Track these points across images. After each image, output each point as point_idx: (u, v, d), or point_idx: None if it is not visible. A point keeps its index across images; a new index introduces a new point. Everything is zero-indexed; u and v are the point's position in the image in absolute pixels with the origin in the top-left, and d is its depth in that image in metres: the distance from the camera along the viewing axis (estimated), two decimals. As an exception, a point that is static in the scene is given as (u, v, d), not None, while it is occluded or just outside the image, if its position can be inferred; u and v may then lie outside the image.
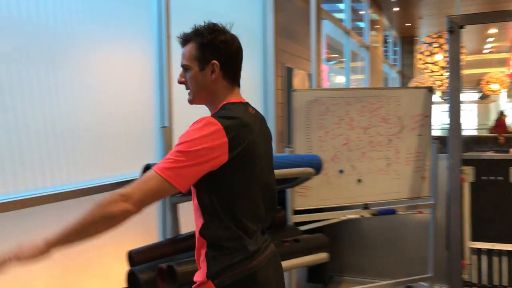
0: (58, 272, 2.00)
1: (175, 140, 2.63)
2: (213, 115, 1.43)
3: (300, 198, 3.29)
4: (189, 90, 1.55)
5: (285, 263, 2.32)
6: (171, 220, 2.41)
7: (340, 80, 9.22)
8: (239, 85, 1.57)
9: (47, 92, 1.92)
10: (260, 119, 1.57)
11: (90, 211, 1.25)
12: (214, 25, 1.52)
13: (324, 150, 3.30)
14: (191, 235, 2.29)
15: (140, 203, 1.28)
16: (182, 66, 1.52)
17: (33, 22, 1.86)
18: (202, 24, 1.52)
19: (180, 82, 1.55)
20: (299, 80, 4.99)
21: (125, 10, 2.38)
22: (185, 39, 1.51)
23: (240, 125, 1.41)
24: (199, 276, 1.49)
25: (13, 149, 1.78)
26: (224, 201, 1.43)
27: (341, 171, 3.36)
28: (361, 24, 9.10)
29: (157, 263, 2.02)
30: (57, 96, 1.97)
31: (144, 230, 2.52)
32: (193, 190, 1.49)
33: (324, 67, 7.98)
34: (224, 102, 1.51)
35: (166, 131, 2.54)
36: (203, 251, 1.48)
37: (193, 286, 1.50)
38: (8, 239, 1.78)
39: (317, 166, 2.53)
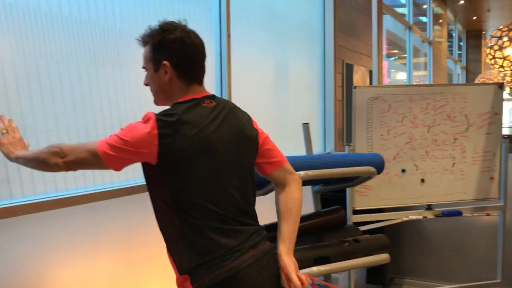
0: (122, 264, 2.07)
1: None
2: (155, 114, 1.39)
3: (360, 197, 3.22)
4: (152, 91, 1.53)
5: (344, 263, 2.29)
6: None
7: (401, 76, 8.97)
8: (199, 82, 1.49)
9: (113, 90, 2.00)
10: (224, 110, 1.47)
11: (42, 151, 1.39)
12: (166, 24, 1.46)
13: (385, 148, 3.22)
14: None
15: (71, 166, 1.38)
16: (142, 68, 1.52)
17: (101, 23, 1.94)
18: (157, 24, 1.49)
19: (144, 84, 1.53)
20: (359, 77, 4.89)
21: (187, 10, 2.42)
22: (142, 41, 1.49)
23: (176, 124, 1.35)
24: (177, 274, 1.46)
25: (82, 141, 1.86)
26: (176, 196, 1.38)
27: (403, 171, 3.26)
28: (424, 19, 8.79)
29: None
30: (123, 93, 2.04)
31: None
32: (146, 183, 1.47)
33: (385, 63, 7.78)
34: (176, 102, 1.45)
35: (226, 128, 2.57)
36: (168, 246, 1.47)
37: (177, 283, 1.47)
38: (75, 231, 1.87)
39: (378, 165, 2.47)
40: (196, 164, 1.36)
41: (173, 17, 2.30)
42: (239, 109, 1.55)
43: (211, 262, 1.37)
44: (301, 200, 1.61)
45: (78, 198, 1.81)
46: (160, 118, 1.35)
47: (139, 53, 2.10)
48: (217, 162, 1.40)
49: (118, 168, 1.38)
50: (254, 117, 2.84)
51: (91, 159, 1.35)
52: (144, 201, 2.13)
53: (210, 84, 2.58)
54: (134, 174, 2.08)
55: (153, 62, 1.45)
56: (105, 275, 1.99)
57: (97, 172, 1.92)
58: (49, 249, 1.76)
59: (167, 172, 1.36)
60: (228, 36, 2.62)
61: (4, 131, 1.50)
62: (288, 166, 1.62)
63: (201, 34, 2.50)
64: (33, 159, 1.41)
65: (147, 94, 2.14)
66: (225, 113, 1.46)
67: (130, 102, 2.08)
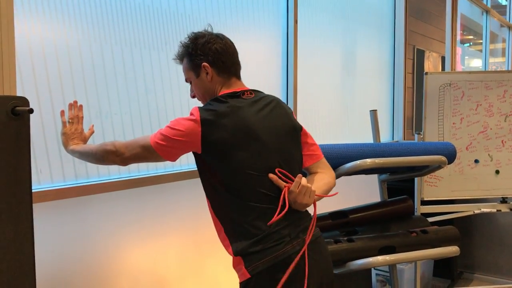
0: (190, 244, 2.14)
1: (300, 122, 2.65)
2: (199, 107, 1.49)
3: (430, 188, 3.12)
4: (199, 98, 1.62)
5: (410, 254, 2.23)
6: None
7: (475, 63, 8.51)
8: (237, 75, 1.59)
9: (182, 76, 2.05)
10: (264, 100, 1.54)
11: (97, 149, 1.50)
12: (194, 33, 1.57)
13: (458, 138, 3.08)
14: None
15: (127, 162, 1.50)
16: (186, 81, 1.62)
17: (171, 10, 1.99)
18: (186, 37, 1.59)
19: (191, 97, 1.64)
20: (430, 63, 4.71)
21: (255, -5, 2.43)
22: (179, 58, 1.60)
23: (217, 115, 1.43)
24: (233, 259, 1.50)
25: (153, 129, 1.94)
26: (225, 183, 1.44)
27: (476, 161, 3.11)
28: (503, 2, 8.26)
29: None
30: (192, 79, 2.09)
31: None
32: (199, 174, 1.54)
33: (458, 50, 7.41)
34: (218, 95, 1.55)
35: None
36: (222, 233, 1.53)
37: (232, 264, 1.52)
38: (146, 211, 1.95)
39: (449, 154, 2.37)
40: (239, 151, 1.43)
41: (242, 3, 2.33)
42: (282, 102, 1.63)
43: (264, 247, 1.42)
44: (333, 185, 1.63)
45: (148, 179, 1.89)
46: (203, 111, 1.44)
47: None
48: (261, 148, 1.45)
49: (172, 158, 1.48)
50: (320, 103, 2.82)
51: (145, 153, 1.46)
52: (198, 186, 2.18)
53: (277, 70, 2.58)
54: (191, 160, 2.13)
55: (193, 69, 1.56)
56: (173, 254, 2.07)
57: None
58: (120, 228, 1.85)
59: (213, 160, 1.44)
60: (295, 21, 2.60)
61: (70, 120, 1.60)
62: (325, 162, 1.67)
63: (269, 19, 2.52)
64: (90, 155, 1.52)
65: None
66: (266, 103, 1.54)
67: (198, 87, 2.13)
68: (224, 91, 1.53)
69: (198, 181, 2.10)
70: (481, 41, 6.72)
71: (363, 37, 3.50)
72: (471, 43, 8.52)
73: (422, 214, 3.06)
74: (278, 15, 2.59)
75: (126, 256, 1.88)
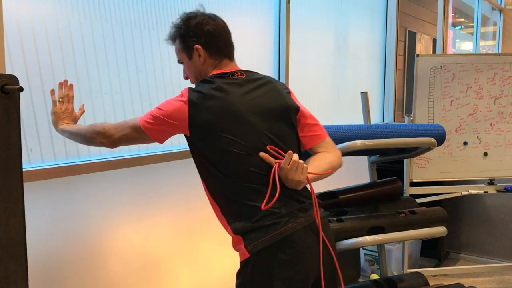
0: (181, 227, 2.16)
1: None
2: (189, 88, 1.49)
3: (419, 169, 3.15)
4: (192, 81, 1.60)
5: (398, 234, 2.26)
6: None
7: (466, 46, 8.52)
8: (229, 57, 1.57)
9: (174, 56, 2.04)
10: (257, 81, 1.53)
11: (86, 129, 1.50)
12: (186, 14, 1.55)
13: (447, 120, 3.11)
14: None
15: (116, 143, 1.49)
16: (178, 62, 1.60)
17: (163, -12, 1.97)
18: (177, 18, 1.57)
19: (185, 78, 1.62)
20: (422, 46, 4.71)
21: (247, -26, 2.40)
22: (171, 39, 1.58)
23: (203, 97, 1.42)
24: (233, 238, 1.50)
25: (144, 108, 1.93)
26: (217, 164, 1.44)
27: (465, 143, 3.14)
28: (496, -16, 8.24)
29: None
30: (183, 59, 2.08)
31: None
32: (192, 156, 1.55)
33: (449, 32, 7.40)
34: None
35: (283, 95, 2.57)
36: (219, 213, 1.54)
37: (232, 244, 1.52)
38: (139, 190, 1.96)
39: (439, 136, 2.39)
40: (225, 133, 1.41)
41: (233, -18, 2.30)
42: (278, 81, 1.60)
43: (262, 226, 1.40)
44: (338, 165, 1.59)
45: (139, 159, 1.89)
46: (191, 92, 1.44)
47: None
48: (249, 128, 1.43)
49: (160, 139, 1.47)
50: (312, 84, 2.81)
51: (134, 134, 1.46)
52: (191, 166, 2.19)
53: (268, 49, 2.57)
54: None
55: (186, 50, 1.54)
56: (165, 234, 2.08)
57: (158, 135, 1.98)
58: (112, 207, 1.86)
59: (201, 142, 1.44)
60: (288, 1, 2.59)
61: (60, 99, 1.59)
62: (330, 141, 1.62)
63: (261, 1, 2.49)
64: (79, 136, 1.52)
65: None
66: (258, 84, 1.52)
67: (189, 67, 2.12)
68: (215, 71, 1.52)
69: (189, 162, 2.11)
70: (472, 24, 6.73)
71: (355, 18, 3.48)
72: (462, 26, 8.51)
73: (410, 195, 3.10)
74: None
75: (117, 236, 1.89)
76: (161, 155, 1.96)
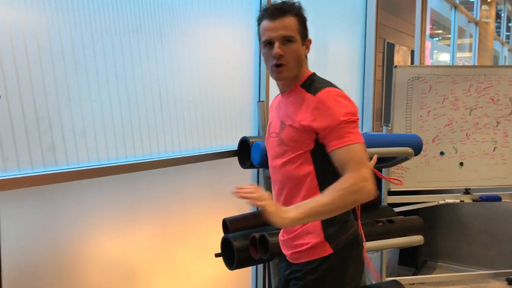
0: (159, 236, 2.14)
1: (272, 114, 2.67)
2: (332, 87, 1.46)
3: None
4: (282, 65, 1.46)
5: (376, 243, 2.29)
6: (265, 191, 2.47)
7: (444, 58, 8.70)
8: None
9: (154, 63, 2.04)
10: None
11: (340, 197, 1.30)
12: (300, 4, 1.52)
13: (424, 130, 3.16)
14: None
15: (372, 179, 1.35)
16: (284, 37, 1.44)
17: (144, -3, 1.97)
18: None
19: (279, 55, 1.44)
20: (400, 57, 4.79)
21: (228, -16, 2.42)
22: (283, 11, 1.45)
23: None
24: (311, 238, 1.50)
25: (124, 117, 1.92)
26: (331, 165, 1.44)
27: (442, 153, 3.20)
28: (472, -2, 8.45)
29: (250, 232, 2.09)
30: (164, 67, 2.08)
31: (239, 200, 2.61)
32: (300, 157, 1.48)
33: (427, 44, 7.54)
34: (308, 74, 1.54)
35: (262, 105, 2.58)
36: None
37: (304, 248, 1.51)
38: (116, 199, 1.94)
39: (416, 146, 2.44)
40: None
41: (214, -8, 2.31)
42: None
43: (345, 223, 1.50)
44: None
45: (118, 168, 1.87)
46: (330, 84, 1.48)
47: (181, 27, 2.14)
48: None
49: None
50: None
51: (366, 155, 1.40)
52: (182, 172, 2.18)
53: (249, 58, 2.59)
54: (172, 147, 2.13)
55: (302, 34, 1.49)
56: (143, 242, 2.06)
57: (137, 143, 1.97)
58: (89, 217, 1.84)
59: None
60: (268, 12, 2.61)
61: (260, 202, 1.31)
62: None
63: (240, 8, 2.51)
64: (333, 211, 1.33)
65: (187, 67, 2.18)
66: None
67: (170, 75, 2.12)
68: (310, 72, 1.55)
69: (168, 170, 2.10)
70: (449, 35, 6.87)
71: (335, 29, 3.53)
72: (440, 37, 8.69)
73: (388, 204, 3.14)
74: (251, 4, 2.59)
75: (95, 245, 1.87)
76: (139, 164, 1.95)
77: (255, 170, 2.65)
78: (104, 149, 1.85)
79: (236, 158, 2.41)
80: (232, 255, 2.07)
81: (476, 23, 8.18)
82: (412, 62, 5.02)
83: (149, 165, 1.98)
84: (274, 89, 2.69)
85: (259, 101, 2.62)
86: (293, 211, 1.31)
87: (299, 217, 1.30)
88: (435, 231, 3.97)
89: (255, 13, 2.60)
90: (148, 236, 2.09)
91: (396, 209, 3.08)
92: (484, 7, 9.20)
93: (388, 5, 4.43)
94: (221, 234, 2.22)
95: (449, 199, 3.27)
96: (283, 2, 1.48)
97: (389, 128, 3.18)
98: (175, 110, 2.14)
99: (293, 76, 1.51)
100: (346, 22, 3.70)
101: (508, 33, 13.37)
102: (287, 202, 1.52)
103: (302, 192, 1.49)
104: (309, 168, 1.47)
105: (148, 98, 2.02)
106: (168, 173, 2.13)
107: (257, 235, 2.02)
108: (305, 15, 1.51)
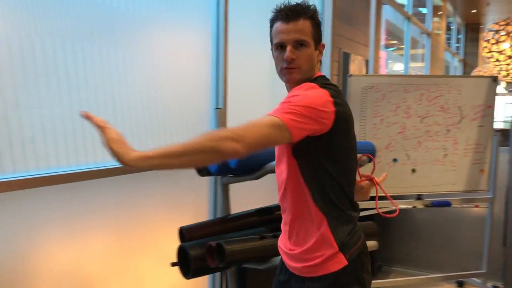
0: (113, 246, 2.09)
1: (229, 122, 2.67)
2: (314, 82, 1.42)
3: (351, 185, 3.26)
4: (294, 68, 1.43)
5: (333, 249, 2.32)
6: (222, 199, 2.46)
7: (398, 67, 8.96)
8: None
9: (108, 70, 2.00)
10: None
11: (199, 140, 1.17)
12: (313, 5, 1.47)
13: (378, 137, 3.24)
14: (242, 215, 2.33)
15: (250, 147, 1.22)
16: (297, 41, 1.41)
17: (97, 2, 1.93)
18: (301, 2, 1.46)
19: (291, 59, 1.41)
20: (356, 66, 4.89)
21: (185, -9, 2.41)
22: (297, 13, 1.40)
23: (339, 93, 1.42)
24: (325, 249, 1.45)
25: (75, 123, 1.87)
26: (338, 169, 1.43)
27: (395, 160, 3.29)
28: (424, 10, 8.76)
29: (207, 240, 2.07)
30: (118, 74, 2.04)
31: (195, 208, 2.59)
32: (296, 161, 1.44)
33: (383, 53, 7.75)
34: (316, 75, 1.49)
35: (220, 112, 2.58)
36: (324, 223, 1.45)
37: (318, 260, 1.46)
38: (68, 208, 1.88)
39: (370, 153, 2.49)
40: (353, 136, 1.47)
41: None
42: None
43: (354, 233, 1.49)
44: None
45: (70, 176, 1.82)
46: (326, 85, 1.40)
47: (136, 33, 2.11)
48: (355, 140, 1.52)
49: (298, 137, 1.30)
50: (251, 101, 2.83)
51: (275, 134, 1.24)
52: (137, 180, 2.14)
53: (206, 66, 2.58)
54: (127, 154, 2.09)
55: (315, 39, 1.44)
56: (97, 252, 2.01)
57: (90, 151, 1.92)
58: (40, 226, 1.78)
59: (336, 139, 1.39)
60: (226, 19, 2.61)
61: (101, 124, 1.18)
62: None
63: (198, 15, 2.51)
64: (188, 154, 1.15)
65: (142, 73, 2.15)
66: None
67: (124, 81, 2.08)
68: (319, 73, 1.50)
69: (122, 178, 2.06)
70: (404, 46, 7.09)
71: (292, 38, 3.57)
72: (395, 48, 8.95)
73: (344, 210, 3.18)
74: (208, 12, 2.58)
75: (45, 257, 1.80)
76: (91, 172, 1.90)
77: (212, 178, 2.64)
78: (55, 156, 1.80)
79: (192, 165, 2.39)
80: (189, 264, 2.04)
81: (428, 34, 8.49)
82: (367, 72, 5.14)
83: (102, 173, 1.93)
84: (232, 95, 2.69)
85: (217, 108, 2.61)
86: (141, 151, 1.15)
87: (148, 154, 1.13)
88: (390, 237, 4.06)
89: (212, 19, 2.60)
90: (102, 246, 2.04)
91: (352, 215, 3.13)
92: (436, 19, 9.56)
93: (344, 15, 4.53)
94: (177, 243, 2.19)
95: (402, 205, 3.36)
96: (297, 4, 1.43)
97: (345, 136, 3.24)
98: (129, 117, 2.10)
99: (305, 79, 1.46)
100: (303, 31, 3.75)
101: (458, 45, 13.95)
102: (288, 206, 1.54)
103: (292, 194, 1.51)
104: (297, 168, 1.45)
105: (100, 104, 1.98)
106: (123, 181, 2.09)
107: (213, 243, 2.00)
108: (320, 18, 1.47)
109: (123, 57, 2.06)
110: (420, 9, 8.93)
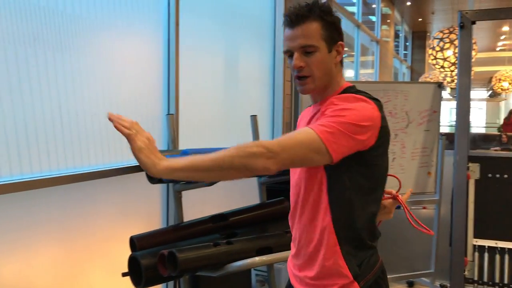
0: (61, 255, 2.02)
1: (181, 128, 2.65)
2: (361, 93, 1.28)
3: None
4: (305, 77, 1.31)
5: (286, 253, 2.33)
6: (174, 207, 2.43)
7: (349, 74, 9.18)
8: None
9: (54, 75, 1.93)
10: None
11: (230, 154, 1.11)
12: (327, 3, 1.35)
13: (330, 142, 3.30)
14: (194, 223, 2.30)
15: (283, 165, 1.14)
16: (304, 47, 1.29)
17: (42, 6, 1.87)
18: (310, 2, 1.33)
19: (299, 67, 1.29)
20: (307, 72, 4.96)
21: (135, -4, 2.37)
22: (302, 16, 1.28)
23: (382, 106, 1.28)
24: (338, 279, 1.30)
25: (19, 131, 1.80)
26: (370, 187, 1.30)
27: (346, 164, 3.35)
28: (373, 18, 9.02)
29: (159, 249, 2.04)
30: (65, 79, 1.98)
31: (147, 216, 2.54)
32: (324, 178, 1.29)
33: (334, 60, 7.87)
34: (344, 86, 1.35)
35: (171, 118, 2.55)
36: (336, 248, 1.30)
37: None
38: (10, 219, 1.80)
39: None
40: (387, 154, 1.33)
41: (121, 2, 2.25)
42: None
43: (370, 257, 1.33)
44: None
45: (12, 186, 1.74)
46: (373, 99, 1.27)
47: (83, 37, 2.05)
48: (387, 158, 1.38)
49: (340, 157, 1.19)
50: (203, 107, 2.81)
51: (313, 156, 1.15)
52: (86, 189, 2.08)
53: (157, 72, 2.55)
54: (74, 162, 2.03)
55: (327, 40, 1.28)
56: (45, 266, 1.93)
57: (34, 159, 1.85)
58: (-19, 238, 1.69)
59: (376, 155, 1.26)
60: (177, 24, 2.59)
61: (129, 131, 1.14)
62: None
63: (148, 21, 2.47)
64: (218, 169, 1.12)
65: (90, 79, 2.09)
66: None
67: (71, 87, 2.02)
68: (348, 84, 1.35)
69: (70, 187, 1.99)
70: (354, 53, 7.27)
71: (244, 43, 3.59)
72: (346, 55, 9.16)
73: (298, 215, 3.21)
74: (159, 18, 2.55)
75: (-14, 271, 1.71)
76: (36, 181, 1.82)
77: (165, 185, 2.60)
78: (-4, 166, 1.72)
79: (144, 173, 2.35)
80: (140, 273, 2.00)
81: (377, 42, 8.74)
82: (319, 78, 5.23)
83: (48, 182, 1.86)
84: (184, 102, 2.67)
85: (168, 114, 2.58)
86: (170, 160, 1.12)
87: (176, 166, 1.11)
88: (343, 239, 4.13)
89: (163, 24, 2.57)
90: (50, 259, 1.96)
91: (305, 220, 3.17)
92: (384, 27, 9.87)
93: (296, 22, 4.59)
94: (129, 252, 2.14)
95: (353, 208, 3.43)
96: (304, 5, 1.31)
97: (297, 141, 3.28)
98: (77, 124, 2.04)
99: (323, 86, 1.33)
100: (256, 37, 3.78)
101: (405, 52, 14.45)
102: (303, 211, 1.35)
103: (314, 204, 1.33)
104: (323, 181, 1.29)
105: (46, 111, 1.91)
106: (71, 190, 2.02)
107: (165, 252, 1.97)
108: (333, 16, 1.31)
109: (70, 63, 2.00)
110: (370, 17, 9.19)
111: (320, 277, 1.32)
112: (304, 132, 1.16)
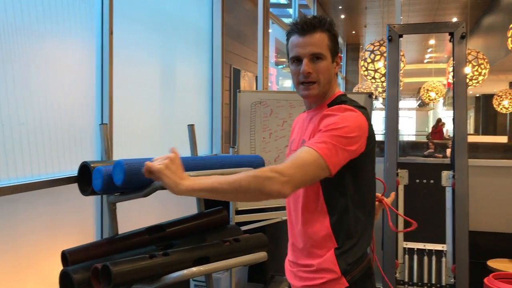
0: (2, 266, 1.91)
1: (115, 137, 2.59)
2: (348, 104, 1.41)
3: (243, 198, 3.31)
4: (311, 83, 1.44)
5: (223, 263, 2.33)
6: (108, 219, 2.36)
7: (288, 84, 9.37)
8: None
9: (4, 86, 1.84)
10: None
11: (246, 179, 1.21)
12: (332, 20, 1.48)
13: (267, 151, 3.34)
14: (130, 235, 2.25)
15: (297, 188, 1.27)
16: (313, 54, 1.41)
17: (-36, 9, 1.78)
18: (310, 15, 1.49)
19: (308, 73, 1.41)
20: (246, 82, 5.02)
21: (68, 3, 2.31)
22: (313, 26, 1.40)
23: (369, 116, 1.42)
24: (327, 274, 1.42)
25: None
26: (361, 191, 1.42)
27: (283, 173, 3.41)
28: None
29: (93, 263, 1.98)
30: (14, 89, 1.89)
31: (80, 229, 2.45)
32: (318, 184, 1.42)
33: (273, 70, 8.04)
34: (337, 94, 1.49)
35: (105, 128, 2.48)
36: (331, 246, 1.43)
37: (319, 282, 1.43)
38: None
39: (259, 166, 2.56)
40: (374, 156, 1.45)
41: (53, 10, 2.18)
42: None
43: (360, 257, 1.43)
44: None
45: None
46: (359, 107, 1.39)
47: (11, 44, 1.96)
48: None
49: (336, 170, 1.31)
50: (139, 118, 2.78)
51: (318, 173, 1.27)
52: (11, 203, 1.98)
53: (90, 81, 2.48)
54: (16, 173, 1.93)
55: (332, 51, 1.42)
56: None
57: (-44, 172, 1.74)
58: None
59: (366, 162, 1.39)
60: (111, 32, 2.54)
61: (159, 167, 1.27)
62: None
63: (81, 28, 2.41)
64: (234, 192, 1.23)
65: (17, 87, 2.00)
66: None
67: (21, 96, 1.93)
68: (341, 92, 1.49)
69: (9, 198, 1.89)
70: (290, 63, 7.42)
71: (182, 53, 3.57)
72: (284, 65, 9.34)
73: (236, 223, 3.22)
74: (92, 25, 2.49)
75: None
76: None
77: (98, 196, 2.52)
78: None
79: (76, 184, 2.27)
80: (73, 289, 1.93)
81: (313, 53, 8.97)
82: (257, 88, 5.30)
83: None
84: (117, 111, 2.61)
85: (102, 123, 2.52)
86: (191, 180, 1.25)
87: (196, 187, 1.24)
88: (282, 246, 4.18)
89: (97, 31, 2.51)
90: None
91: (244, 228, 3.18)
92: (320, 38, 10.13)
93: (233, 32, 4.64)
94: (61, 267, 2.06)
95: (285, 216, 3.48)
96: (314, 16, 1.43)
97: (235, 150, 3.30)
98: (2, 134, 1.94)
99: (323, 93, 1.47)
100: (193, 46, 3.77)
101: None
102: (301, 221, 1.50)
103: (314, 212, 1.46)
104: (319, 190, 1.42)
105: (4, 115, 1.81)
106: (9, 201, 1.92)
107: (99, 265, 1.91)
108: (336, 31, 1.46)
109: (19, 72, 1.90)
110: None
111: (312, 272, 1.46)
112: (306, 152, 1.27)
